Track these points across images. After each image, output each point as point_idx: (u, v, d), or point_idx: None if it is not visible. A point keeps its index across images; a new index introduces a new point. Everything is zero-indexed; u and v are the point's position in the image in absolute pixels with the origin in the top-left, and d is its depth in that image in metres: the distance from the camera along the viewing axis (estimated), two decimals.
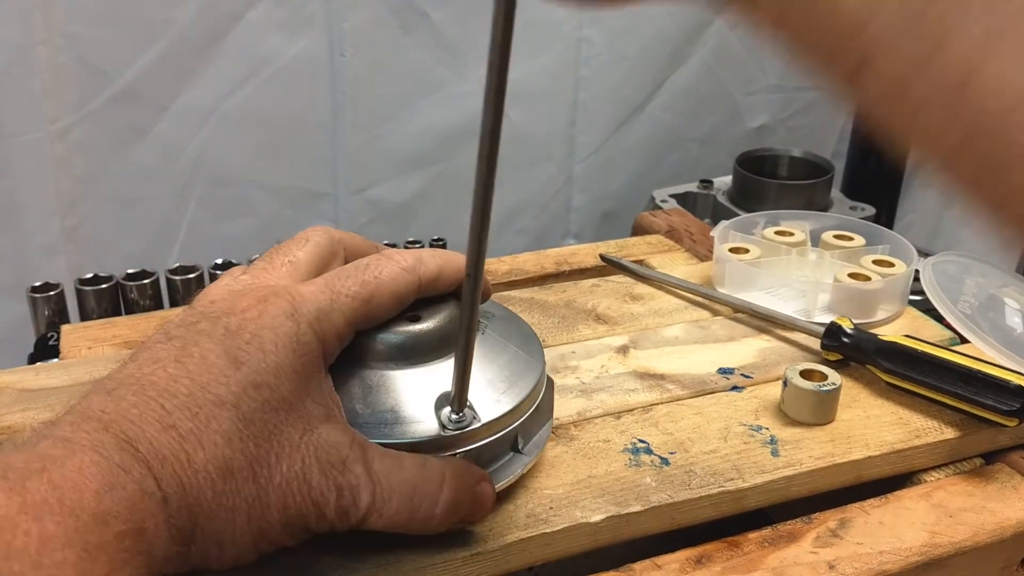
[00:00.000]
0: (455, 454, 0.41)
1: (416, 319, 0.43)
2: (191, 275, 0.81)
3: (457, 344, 0.40)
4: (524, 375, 0.45)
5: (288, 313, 0.39)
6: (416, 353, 0.43)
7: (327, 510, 0.37)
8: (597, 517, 0.44)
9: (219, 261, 0.86)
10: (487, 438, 0.42)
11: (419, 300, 0.44)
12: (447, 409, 0.41)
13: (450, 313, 0.44)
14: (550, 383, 0.47)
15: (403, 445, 0.40)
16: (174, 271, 0.81)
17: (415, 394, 0.42)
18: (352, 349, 0.42)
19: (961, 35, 0.25)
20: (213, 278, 0.85)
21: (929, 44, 0.26)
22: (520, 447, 0.45)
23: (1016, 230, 0.27)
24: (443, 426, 0.41)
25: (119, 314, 0.79)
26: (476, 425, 0.42)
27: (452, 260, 0.45)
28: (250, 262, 0.85)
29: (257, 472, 0.36)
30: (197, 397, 0.36)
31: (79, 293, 0.77)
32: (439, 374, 0.43)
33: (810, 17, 0.27)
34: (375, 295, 0.41)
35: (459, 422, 0.41)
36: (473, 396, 0.42)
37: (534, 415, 0.45)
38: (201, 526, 0.35)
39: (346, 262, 0.46)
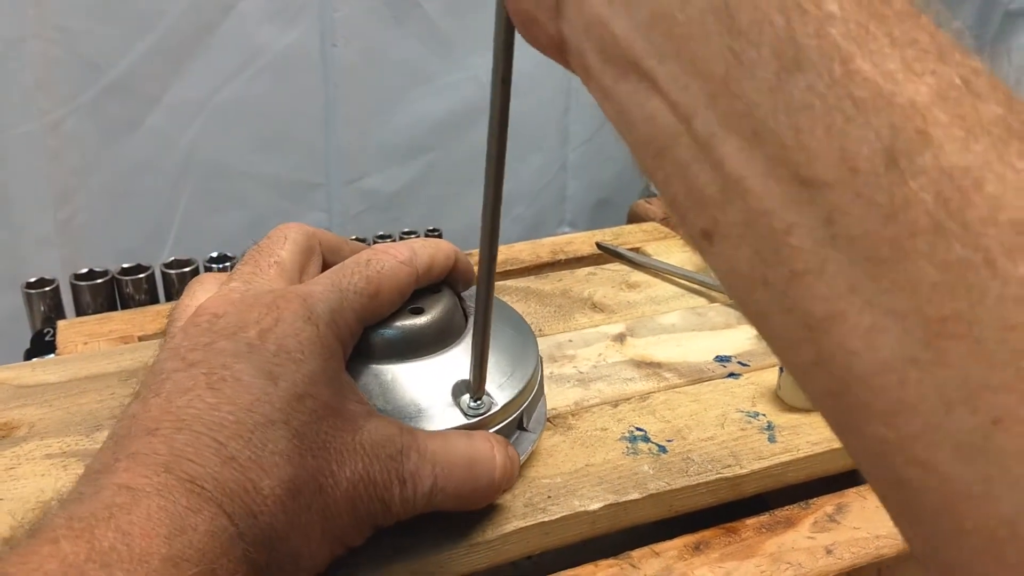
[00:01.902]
0: None
1: (419, 312, 0.44)
2: (186, 268, 0.81)
3: (474, 331, 0.41)
4: (524, 358, 0.46)
5: (305, 317, 0.38)
6: (423, 345, 0.44)
7: (393, 503, 0.38)
8: (595, 505, 0.44)
9: (214, 254, 0.86)
10: (502, 421, 0.44)
11: (414, 292, 0.44)
12: (466, 396, 0.43)
13: (446, 304, 0.45)
14: (540, 361, 0.49)
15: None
16: (169, 265, 0.81)
17: (429, 386, 0.43)
18: (360, 346, 0.42)
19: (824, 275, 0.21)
20: (209, 272, 0.85)
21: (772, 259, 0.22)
22: (526, 425, 0.46)
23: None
24: (464, 413, 0.42)
25: (115, 309, 0.79)
26: (495, 409, 0.43)
27: (442, 248, 0.45)
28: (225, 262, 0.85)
29: (323, 483, 0.35)
30: (246, 422, 0.34)
31: (74, 288, 0.77)
32: (445, 364, 0.44)
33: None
34: (380, 290, 0.41)
35: (479, 408, 0.42)
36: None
37: (536, 394, 0.47)
38: (277, 549, 0.34)
39: (323, 257, 0.46)
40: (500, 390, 0.44)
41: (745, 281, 0.24)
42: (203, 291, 0.42)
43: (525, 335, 0.49)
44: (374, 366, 0.43)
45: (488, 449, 0.41)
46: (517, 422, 0.45)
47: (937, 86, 0.21)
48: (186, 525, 0.31)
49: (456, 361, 0.44)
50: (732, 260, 0.24)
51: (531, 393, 0.46)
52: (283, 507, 0.34)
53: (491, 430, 0.43)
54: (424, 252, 0.44)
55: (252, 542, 0.33)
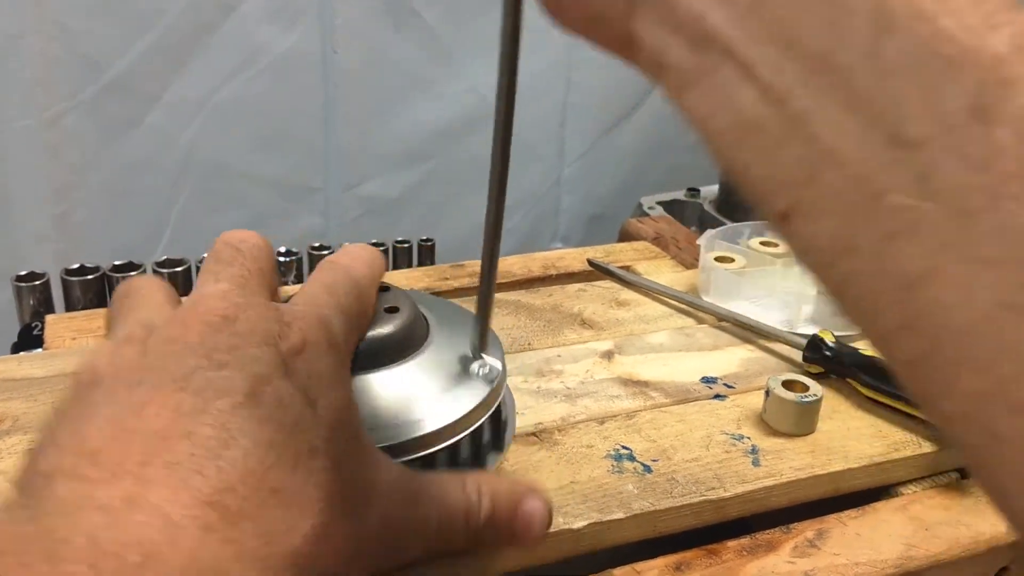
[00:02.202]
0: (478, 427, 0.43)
1: (388, 320, 0.44)
2: (178, 268, 0.81)
3: (479, 294, 0.44)
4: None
5: (329, 342, 0.35)
6: (389, 354, 0.43)
7: (406, 548, 0.36)
8: (579, 523, 0.44)
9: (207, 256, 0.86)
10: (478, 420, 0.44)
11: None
12: (475, 364, 0.44)
13: (410, 312, 0.45)
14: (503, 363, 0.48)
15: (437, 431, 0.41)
16: (161, 264, 0.81)
17: (416, 389, 0.43)
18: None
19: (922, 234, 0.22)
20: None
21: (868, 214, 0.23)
22: (499, 444, 0.47)
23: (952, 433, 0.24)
24: (486, 379, 0.44)
25: (105, 305, 0.79)
26: (498, 372, 0.44)
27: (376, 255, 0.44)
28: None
29: (352, 529, 0.32)
30: (290, 449, 0.30)
31: (65, 283, 0.77)
32: (414, 371, 0.44)
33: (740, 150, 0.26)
34: (367, 310, 0.41)
35: (491, 373, 0.44)
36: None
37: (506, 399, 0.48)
38: None
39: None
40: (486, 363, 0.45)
41: (828, 253, 0.25)
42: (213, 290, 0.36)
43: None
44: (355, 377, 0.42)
45: (475, 495, 0.38)
46: (488, 432, 0.46)
47: (1012, 37, 0.22)
48: (221, 570, 0.26)
49: (424, 368, 0.44)
50: (813, 235, 0.25)
51: (499, 396, 0.46)
52: (316, 546, 0.30)
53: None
54: (374, 260, 0.43)
55: None
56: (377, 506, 0.34)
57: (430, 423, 0.41)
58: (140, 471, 0.27)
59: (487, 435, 0.46)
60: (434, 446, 0.41)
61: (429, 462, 0.41)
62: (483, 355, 0.45)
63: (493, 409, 0.45)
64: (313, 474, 0.30)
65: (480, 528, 0.37)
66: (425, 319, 0.47)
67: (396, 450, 0.39)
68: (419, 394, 0.42)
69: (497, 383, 0.44)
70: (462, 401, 0.42)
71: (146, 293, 0.37)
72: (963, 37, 0.22)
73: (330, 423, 0.32)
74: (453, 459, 0.43)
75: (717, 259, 0.70)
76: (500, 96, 0.37)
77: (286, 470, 0.29)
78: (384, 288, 0.45)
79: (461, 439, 0.42)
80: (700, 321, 0.66)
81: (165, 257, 0.81)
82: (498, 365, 0.45)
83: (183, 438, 0.28)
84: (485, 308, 0.44)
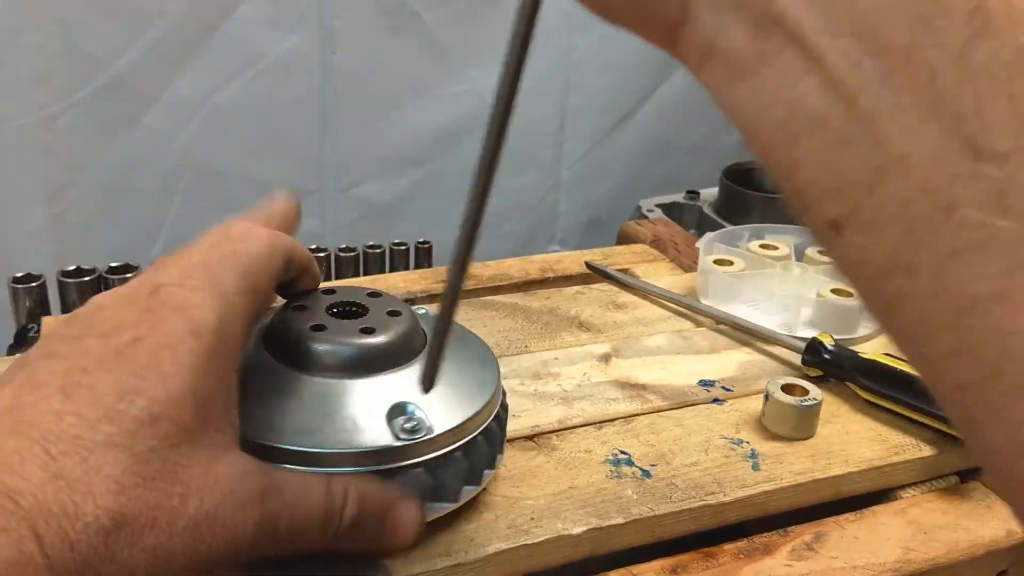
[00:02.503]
0: (415, 464, 0.40)
1: (371, 331, 0.43)
2: None
3: (434, 334, 0.38)
4: (477, 393, 0.44)
5: (188, 329, 0.34)
6: (373, 363, 0.42)
7: (243, 545, 0.34)
8: (578, 529, 0.44)
9: None
10: (436, 451, 0.41)
11: (372, 311, 0.44)
12: (400, 419, 0.40)
13: (405, 324, 0.44)
14: (502, 396, 0.46)
15: (358, 454, 0.39)
16: None
17: (371, 403, 0.41)
18: (308, 357, 0.41)
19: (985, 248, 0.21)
20: None
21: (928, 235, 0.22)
22: (480, 471, 0.43)
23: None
24: (396, 435, 0.39)
25: None
26: (428, 436, 0.40)
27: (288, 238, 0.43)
28: None
29: (158, 518, 0.32)
30: (86, 439, 0.31)
31: (61, 285, 0.77)
32: (394, 384, 0.42)
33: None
34: (259, 285, 0.38)
35: (413, 431, 0.40)
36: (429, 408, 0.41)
37: (484, 436, 0.43)
38: None
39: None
40: (443, 415, 0.41)
41: (880, 270, 0.23)
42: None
43: (487, 366, 0.46)
44: (318, 379, 0.41)
45: (340, 499, 0.37)
46: (463, 462, 0.42)
47: None
48: None
49: (406, 381, 0.42)
50: (868, 248, 0.23)
51: (477, 428, 0.42)
52: (105, 539, 0.30)
53: (424, 458, 0.40)
54: (284, 236, 0.41)
55: (62, 573, 0.29)
56: (197, 500, 0.33)
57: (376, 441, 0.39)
58: None
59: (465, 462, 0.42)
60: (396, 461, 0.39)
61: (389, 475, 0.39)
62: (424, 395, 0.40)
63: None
64: (107, 465, 0.31)
65: (342, 530, 0.37)
66: (411, 351, 0.44)
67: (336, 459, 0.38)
68: (340, 414, 0.40)
69: (415, 443, 0.40)
70: (365, 438, 0.39)
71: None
72: None
73: (145, 418, 0.32)
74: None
75: (716, 262, 0.70)
76: (496, 116, 0.34)
77: (75, 460, 0.30)
78: (396, 308, 0.44)
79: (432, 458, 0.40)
80: (698, 324, 0.66)
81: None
82: (431, 430, 0.40)
83: None
84: (441, 340, 0.38)
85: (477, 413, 0.42)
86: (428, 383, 0.39)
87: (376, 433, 0.39)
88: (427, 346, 0.40)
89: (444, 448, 0.41)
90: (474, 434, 0.42)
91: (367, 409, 0.40)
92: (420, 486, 0.40)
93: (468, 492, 0.42)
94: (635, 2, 0.27)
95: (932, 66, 0.22)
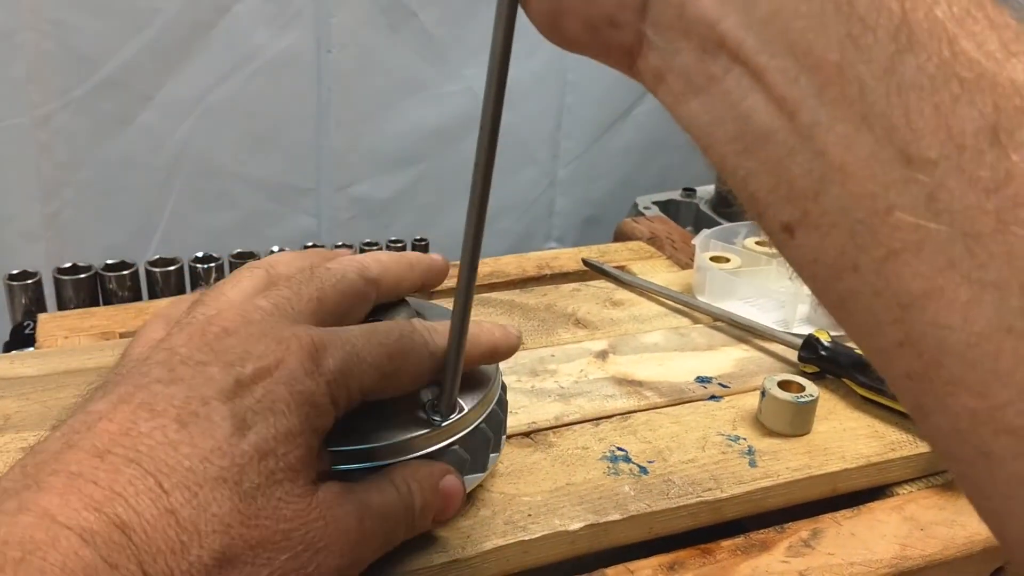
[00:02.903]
0: (451, 445, 0.42)
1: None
2: (171, 267, 0.80)
3: (449, 349, 0.40)
4: (483, 372, 0.46)
5: (309, 370, 0.35)
6: None
7: (349, 568, 0.35)
8: (575, 525, 0.44)
9: (199, 254, 0.86)
10: (465, 428, 0.42)
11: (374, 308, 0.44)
12: (432, 401, 0.42)
13: (407, 316, 0.45)
14: (500, 375, 0.47)
15: (413, 441, 0.40)
16: (154, 263, 0.80)
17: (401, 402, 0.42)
18: None
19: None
20: (193, 271, 0.84)
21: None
22: (495, 447, 0.45)
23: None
24: (432, 420, 0.41)
25: (97, 304, 0.78)
26: (462, 413, 0.42)
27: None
28: (235, 258, 0.85)
29: (258, 555, 0.32)
30: (198, 472, 0.31)
31: (57, 282, 0.77)
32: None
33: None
34: (400, 371, 0.39)
35: (447, 413, 0.42)
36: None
37: (498, 405, 0.46)
38: None
39: (377, 302, 0.44)
40: (462, 395, 0.43)
41: (830, 269, 0.25)
42: (236, 291, 0.40)
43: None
44: None
45: (407, 492, 0.39)
46: (485, 437, 0.44)
47: None
48: None
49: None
50: (817, 249, 0.25)
51: (494, 399, 0.45)
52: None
53: (458, 436, 0.42)
54: (440, 333, 0.41)
55: None
56: (300, 533, 0.33)
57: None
58: (51, 476, 0.30)
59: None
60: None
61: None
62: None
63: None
64: (215, 503, 0.31)
65: (415, 520, 0.39)
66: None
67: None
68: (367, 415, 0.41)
69: (452, 422, 0.42)
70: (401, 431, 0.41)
71: (241, 276, 0.41)
72: (983, 61, 0.22)
73: (255, 453, 0.33)
74: None
75: (712, 259, 0.70)
76: (484, 124, 0.35)
77: (186, 495, 0.31)
78: (395, 307, 0.45)
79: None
80: (695, 321, 0.66)
81: (158, 256, 0.81)
82: (462, 408, 0.42)
83: (97, 456, 0.31)
84: (455, 367, 0.40)
85: (492, 385, 0.45)
86: (448, 410, 0.41)
87: (416, 421, 0.41)
88: (444, 373, 0.41)
89: (473, 423, 0.43)
90: (492, 405, 0.44)
91: (395, 401, 0.41)
92: (458, 462, 0.42)
93: (493, 459, 0.45)
94: (592, 33, 0.29)
95: (862, 80, 0.23)
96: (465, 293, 0.39)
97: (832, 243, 0.24)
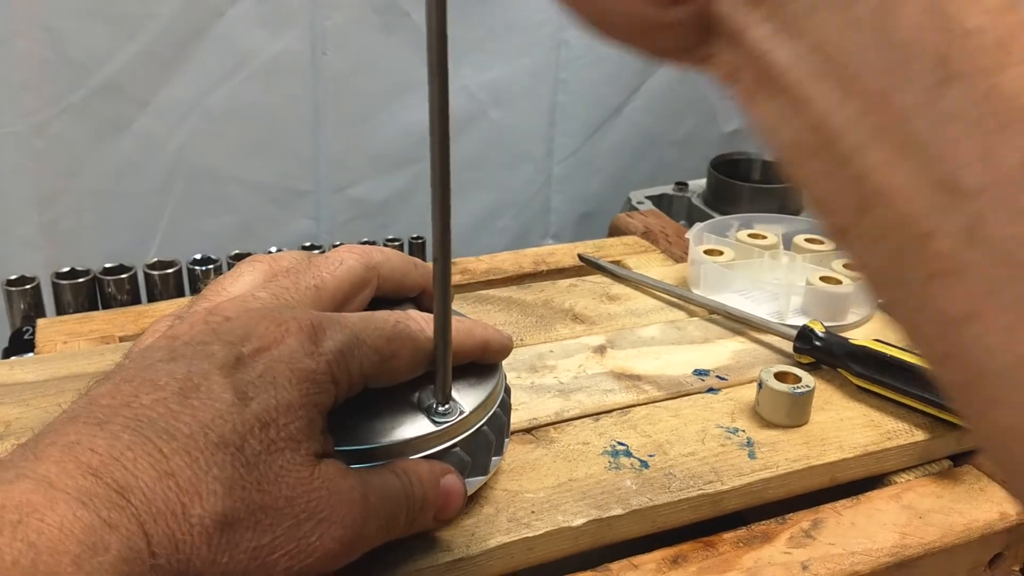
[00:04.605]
0: (452, 447, 0.42)
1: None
2: (169, 270, 0.81)
3: (435, 332, 0.40)
4: (487, 370, 0.46)
5: (308, 350, 0.36)
6: None
7: (339, 552, 0.35)
8: (579, 521, 0.44)
9: (198, 256, 0.86)
10: (469, 429, 0.43)
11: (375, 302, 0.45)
12: (433, 403, 0.42)
13: None
14: (504, 377, 0.48)
15: (417, 441, 0.41)
16: (152, 266, 0.81)
17: (399, 398, 0.42)
18: None
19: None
20: (192, 274, 0.85)
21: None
22: (498, 449, 0.45)
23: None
24: (433, 421, 0.41)
25: (96, 309, 0.78)
26: (462, 416, 0.42)
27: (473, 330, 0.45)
28: (233, 258, 0.85)
29: (260, 520, 0.33)
30: (198, 439, 0.32)
31: (55, 287, 0.77)
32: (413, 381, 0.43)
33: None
34: (396, 355, 0.39)
35: (447, 413, 0.42)
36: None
37: (501, 408, 0.46)
38: None
39: (379, 290, 0.44)
40: (464, 397, 0.43)
41: (879, 277, 0.25)
42: (237, 286, 0.41)
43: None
44: None
45: (409, 482, 0.39)
46: (486, 440, 0.44)
47: None
48: (100, 544, 0.28)
49: (427, 377, 0.43)
50: (867, 257, 0.25)
51: (496, 402, 0.45)
52: (208, 539, 0.31)
53: (459, 438, 0.42)
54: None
55: (167, 573, 0.30)
56: (298, 506, 0.34)
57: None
58: (50, 445, 0.31)
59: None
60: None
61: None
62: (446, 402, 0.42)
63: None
64: (215, 466, 0.32)
65: (416, 514, 0.39)
66: None
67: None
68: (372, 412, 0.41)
69: (452, 424, 0.42)
70: (405, 431, 0.41)
71: (242, 270, 0.42)
72: (1021, 95, 0.22)
73: (256, 421, 0.34)
74: None
75: (706, 252, 0.70)
76: (433, 115, 0.36)
77: (186, 459, 0.32)
78: (399, 304, 0.46)
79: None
80: (691, 314, 0.66)
81: (156, 259, 0.81)
82: (462, 410, 0.42)
83: (97, 425, 0.32)
84: (444, 357, 0.41)
85: (494, 388, 0.44)
86: (444, 396, 0.42)
87: (416, 422, 0.41)
88: (434, 362, 0.41)
89: (475, 425, 0.43)
90: (494, 408, 0.44)
91: (396, 403, 0.42)
92: (459, 464, 0.42)
93: (495, 463, 0.45)
94: (675, 49, 0.29)
95: (905, 109, 0.23)
96: (442, 274, 0.40)
97: (878, 256, 0.25)
